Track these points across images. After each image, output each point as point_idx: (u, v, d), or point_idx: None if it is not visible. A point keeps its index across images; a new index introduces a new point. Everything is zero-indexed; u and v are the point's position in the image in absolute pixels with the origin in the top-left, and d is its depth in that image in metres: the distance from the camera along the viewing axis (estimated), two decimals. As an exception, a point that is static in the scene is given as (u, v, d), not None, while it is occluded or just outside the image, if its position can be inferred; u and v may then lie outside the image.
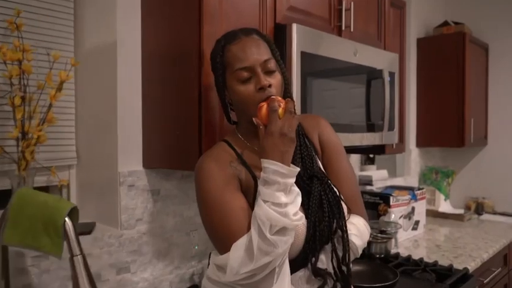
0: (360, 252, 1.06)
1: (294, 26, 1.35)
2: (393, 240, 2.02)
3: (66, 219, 0.94)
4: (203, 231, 1.55)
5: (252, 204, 0.94)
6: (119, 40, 1.35)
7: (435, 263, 1.85)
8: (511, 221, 2.80)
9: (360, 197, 1.13)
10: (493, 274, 2.14)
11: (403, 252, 2.05)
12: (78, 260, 0.93)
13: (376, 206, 2.26)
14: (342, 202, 1.02)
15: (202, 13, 1.18)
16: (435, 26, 3.01)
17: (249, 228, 0.88)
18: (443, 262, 1.88)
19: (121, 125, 1.36)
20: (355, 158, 2.57)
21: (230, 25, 1.23)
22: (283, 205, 0.85)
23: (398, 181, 2.81)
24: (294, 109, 0.91)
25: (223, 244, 0.90)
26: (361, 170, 2.66)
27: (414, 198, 2.38)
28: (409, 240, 2.32)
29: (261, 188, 0.87)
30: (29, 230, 0.97)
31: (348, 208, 1.04)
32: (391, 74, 1.82)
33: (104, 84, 1.40)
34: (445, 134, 2.86)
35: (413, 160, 3.01)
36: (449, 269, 1.78)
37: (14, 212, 0.98)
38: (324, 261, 0.98)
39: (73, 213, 0.97)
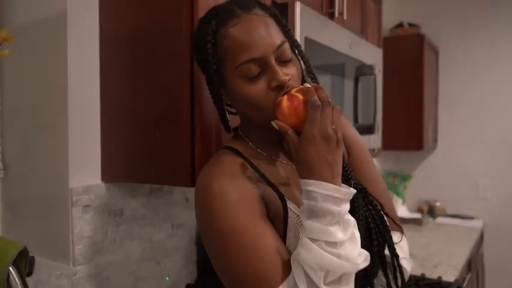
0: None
1: (298, 6, 1.10)
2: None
3: (11, 268, 0.60)
4: (175, 258, 1.27)
5: (282, 235, 0.70)
6: (69, 13, 1.00)
7: (423, 277, 1.72)
8: (466, 223, 2.82)
9: (395, 208, 0.93)
10: (466, 281, 2.08)
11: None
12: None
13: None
14: (385, 219, 0.81)
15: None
16: (391, 27, 2.95)
17: (286, 272, 0.64)
18: (429, 273, 1.76)
19: (73, 125, 1.01)
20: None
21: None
22: (339, 244, 0.61)
23: (360, 186, 2.69)
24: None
25: None
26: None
27: (384, 204, 2.25)
28: (380, 250, 2.19)
29: (307, 222, 0.63)
30: None
31: (392, 225, 0.83)
32: (379, 71, 1.66)
33: (47, 72, 1.04)
34: (404, 137, 2.80)
35: (371, 164, 2.92)
36: (439, 282, 1.65)
37: None
38: None
39: (22, 257, 0.63)
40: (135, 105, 1.00)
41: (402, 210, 2.91)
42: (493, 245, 2.97)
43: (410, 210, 3.10)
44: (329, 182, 0.62)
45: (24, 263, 0.64)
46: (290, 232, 0.70)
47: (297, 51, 0.78)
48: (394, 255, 0.76)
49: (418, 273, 1.75)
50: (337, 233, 0.61)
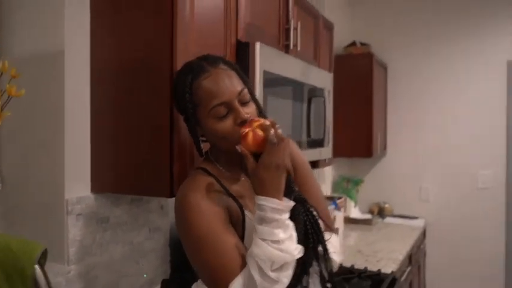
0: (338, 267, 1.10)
1: (258, 45, 1.33)
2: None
3: (37, 266, 0.79)
4: (152, 258, 1.46)
5: (241, 237, 0.93)
6: (66, 49, 1.18)
7: (365, 270, 1.99)
8: (409, 223, 3.15)
9: (330, 214, 1.18)
10: (405, 275, 2.38)
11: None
12: (54, 313, 0.79)
13: (305, 217, 2.34)
14: (320, 222, 1.04)
15: (175, 22, 1.09)
16: (345, 46, 3.25)
17: (244, 264, 0.87)
18: (371, 267, 2.03)
19: (68, 143, 1.18)
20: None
21: (200, 40, 1.17)
22: (281, 241, 0.84)
23: (316, 191, 2.95)
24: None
25: (218, 282, 0.87)
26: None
27: (336, 206, 2.52)
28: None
29: (258, 227, 0.85)
30: (-16, 283, 0.79)
31: (326, 226, 1.07)
32: (328, 92, 1.92)
33: (47, 97, 1.20)
34: (355, 145, 3.10)
35: (327, 170, 3.20)
36: (379, 274, 1.93)
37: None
38: (311, 282, 0.99)
39: (42, 257, 0.82)
40: (121, 129, 1.19)
41: (355, 212, 3.21)
42: (434, 241, 3.33)
43: (363, 212, 3.41)
44: (275, 198, 0.85)
45: (44, 261, 0.82)
46: (247, 234, 0.93)
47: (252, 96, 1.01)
48: (325, 249, 1.00)
49: (361, 267, 2.02)
50: (280, 234, 0.84)
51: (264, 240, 0.83)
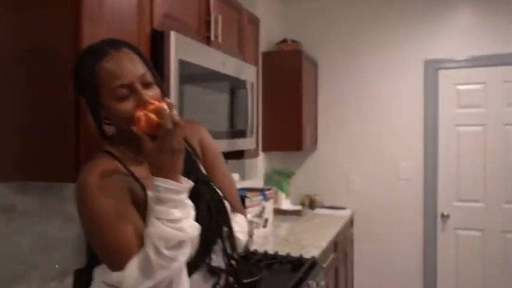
0: (244, 244, 1.15)
1: (173, 34, 1.35)
2: (251, 240, 2.17)
3: None
4: (65, 249, 1.44)
5: (144, 217, 0.93)
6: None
7: (288, 256, 2.07)
8: (337, 213, 3.30)
9: (239, 197, 1.23)
10: (329, 260, 2.50)
11: (259, 249, 2.22)
12: None
13: (233, 207, 2.39)
14: (226, 204, 1.09)
15: (82, 12, 1.08)
16: (276, 42, 3.33)
17: (143, 244, 0.88)
18: (294, 253, 2.11)
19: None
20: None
21: (110, 28, 1.17)
22: (177, 220, 0.86)
23: (248, 183, 3.02)
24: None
25: (116, 262, 0.88)
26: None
27: (264, 197, 2.60)
28: (261, 238, 2.52)
29: (154, 206, 0.87)
30: None
31: (231, 207, 1.11)
32: (252, 85, 1.97)
33: None
34: (286, 139, 3.20)
35: (259, 163, 3.28)
36: (300, 259, 2.01)
37: None
38: (216, 259, 1.03)
39: None
40: (26, 115, 1.16)
41: (286, 204, 3.31)
42: (361, 230, 3.52)
43: (295, 203, 3.53)
44: (170, 179, 0.86)
45: None
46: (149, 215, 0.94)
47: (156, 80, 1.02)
48: (229, 227, 1.04)
49: (284, 253, 2.09)
50: (176, 213, 0.85)
51: (159, 219, 0.85)
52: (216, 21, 1.71)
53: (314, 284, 1.83)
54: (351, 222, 3.46)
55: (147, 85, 0.96)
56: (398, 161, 3.44)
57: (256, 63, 2.24)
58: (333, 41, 3.60)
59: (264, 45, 3.29)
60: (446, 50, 3.30)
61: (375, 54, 3.48)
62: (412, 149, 3.40)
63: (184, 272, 0.93)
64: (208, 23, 1.69)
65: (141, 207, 0.94)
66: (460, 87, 3.30)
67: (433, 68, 3.34)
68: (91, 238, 0.93)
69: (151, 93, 0.96)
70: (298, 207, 3.30)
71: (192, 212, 0.91)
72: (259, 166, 3.25)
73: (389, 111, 3.45)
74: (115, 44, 0.98)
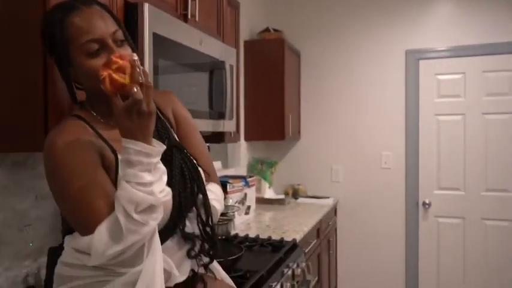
0: (220, 213, 1.14)
1: (146, 6, 1.33)
2: (232, 222, 2.16)
3: None
4: (39, 226, 1.41)
5: (114, 181, 0.91)
6: None
7: (269, 238, 2.06)
8: (320, 202, 3.31)
9: (214, 167, 1.21)
10: (311, 245, 2.50)
11: (240, 234, 2.21)
12: None
13: (214, 193, 2.38)
14: (201, 171, 1.07)
15: (49, -24, 1.06)
16: (259, 31, 3.33)
17: (112, 208, 0.85)
18: (275, 237, 2.11)
19: None
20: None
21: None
22: (148, 184, 0.83)
23: (230, 171, 3.01)
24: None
25: (86, 226, 0.85)
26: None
27: (246, 184, 2.59)
28: (243, 224, 2.51)
29: (124, 169, 0.84)
30: None
31: (206, 176, 1.10)
32: (231, 67, 1.96)
33: None
34: (268, 129, 3.20)
35: (242, 152, 3.27)
36: (281, 241, 2.01)
37: None
38: (190, 226, 1.02)
39: None
40: (-6, 84, 1.13)
41: (269, 193, 3.31)
42: (344, 219, 3.54)
43: (278, 193, 3.53)
44: (140, 141, 0.83)
45: None
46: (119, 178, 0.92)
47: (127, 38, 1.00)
48: (203, 193, 1.03)
49: (265, 237, 2.09)
50: (146, 177, 0.82)
51: (128, 182, 0.82)
52: (194, 0, 1.70)
53: (294, 265, 1.83)
54: (334, 211, 3.47)
55: (119, 43, 0.95)
56: (380, 151, 3.46)
57: (236, 47, 2.23)
58: (315, 31, 3.61)
59: (246, 34, 3.29)
60: (427, 40, 3.33)
61: (357, 44, 3.50)
62: (393, 138, 3.43)
63: (157, 237, 0.91)
64: (185, 0, 1.67)
65: (112, 171, 0.92)
66: (440, 77, 3.34)
67: (414, 58, 3.38)
68: (60, 202, 0.91)
69: (125, 52, 0.94)
70: (281, 196, 3.30)
71: (164, 177, 0.88)
72: (242, 155, 3.24)
73: (372, 101, 3.48)
74: (85, 1, 0.95)
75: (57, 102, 1.09)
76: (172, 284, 0.97)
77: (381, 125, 3.46)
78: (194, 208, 1.03)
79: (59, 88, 1.09)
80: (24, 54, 1.09)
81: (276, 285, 1.58)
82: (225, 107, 1.88)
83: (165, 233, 0.97)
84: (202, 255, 1.03)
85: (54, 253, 1.32)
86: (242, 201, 2.55)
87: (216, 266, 1.18)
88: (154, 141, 0.88)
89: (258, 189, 3.24)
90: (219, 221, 2.04)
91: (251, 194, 2.68)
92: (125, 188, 0.82)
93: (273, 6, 3.72)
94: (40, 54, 1.06)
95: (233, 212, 2.19)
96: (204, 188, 1.05)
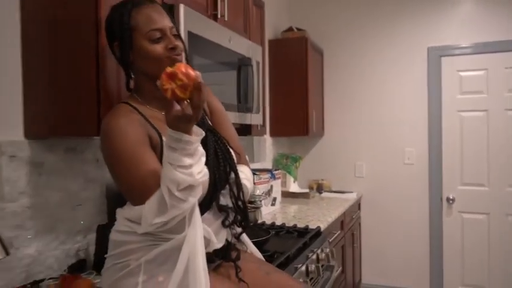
0: (250, 193, 1.26)
1: (181, 7, 1.48)
2: (259, 210, 2.28)
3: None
4: (88, 206, 1.57)
5: (160, 158, 1.03)
6: (-2, 2, 1.27)
7: (295, 226, 2.18)
8: (343, 196, 3.39)
9: (243, 150, 1.34)
10: (335, 235, 2.60)
11: (267, 222, 2.33)
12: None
13: (241, 184, 2.51)
14: (232, 152, 1.20)
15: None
16: (282, 31, 3.45)
17: (159, 184, 0.96)
18: (300, 226, 2.22)
19: None
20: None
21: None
22: (188, 166, 0.93)
23: (256, 165, 3.13)
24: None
25: (139, 197, 0.98)
26: (225, 156, 2.89)
27: (273, 177, 2.71)
28: (269, 214, 2.63)
29: (168, 153, 0.93)
30: None
31: (237, 156, 1.23)
32: (257, 63, 2.09)
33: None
34: (293, 125, 3.31)
35: (268, 148, 3.39)
36: (306, 229, 2.12)
37: None
38: (224, 200, 1.15)
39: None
40: (53, 77, 1.30)
41: (294, 187, 3.41)
42: (368, 213, 3.62)
43: (303, 187, 3.63)
44: (183, 133, 0.93)
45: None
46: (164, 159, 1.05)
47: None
48: (234, 171, 1.16)
49: (290, 225, 2.20)
50: (187, 160, 0.93)
51: (171, 164, 0.93)
52: (222, 0, 1.84)
53: (319, 250, 1.93)
54: (358, 206, 3.55)
55: (175, 36, 1.11)
56: (403, 147, 3.52)
57: (261, 44, 2.35)
58: (338, 30, 3.70)
59: (270, 34, 3.42)
60: (449, 37, 3.38)
61: (379, 42, 3.57)
62: (416, 134, 3.48)
63: (197, 210, 1.03)
64: (215, 1, 1.81)
65: (157, 150, 1.06)
66: (462, 73, 3.38)
67: (436, 55, 3.43)
68: (117, 177, 1.03)
69: (179, 43, 1.10)
70: (306, 190, 3.40)
71: (202, 159, 0.99)
72: (267, 150, 3.37)
73: (394, 98, 3.54)
74: None
75: (107, 95, 1.24)
76: (211, 250, 1.10)
77: (404, 121, 3.51)
78: (227, 185, 1.16)
79: (109, 83, 1.24)
80: (80, 56, 1.24)
81: (301, 267, 1.69)
82: (252, 101, 2.01)
83: (203, 206, 1.09)
84: (235, 225, 1.16)
85: (103, 230, 1.50)
86: (268, 192, 2.67)
87: (247, 240, 1.31)
88: (195, 127, 0.98)
89: (283, 183, 3.35)
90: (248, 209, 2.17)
91: (277, 186, 2.80)
92: (169, 170, 0.93)
93: (296, 6, 3.84)
94: (93, 52, 1.22)
95: (260, 201, 2.31)
96: (236, 167, 1.17)
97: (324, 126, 3.76)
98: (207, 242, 1.09)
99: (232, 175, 1.17)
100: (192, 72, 0.91)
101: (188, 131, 0.94)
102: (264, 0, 2.70)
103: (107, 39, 1.15)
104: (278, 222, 2.33)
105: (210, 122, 1.26)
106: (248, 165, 1.32)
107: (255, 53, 2.08)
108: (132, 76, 1.16)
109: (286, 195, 3.28)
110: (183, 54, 1.16)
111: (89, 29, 1.23)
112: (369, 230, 3.62)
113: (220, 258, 1.16)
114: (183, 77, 0.90)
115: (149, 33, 1.07)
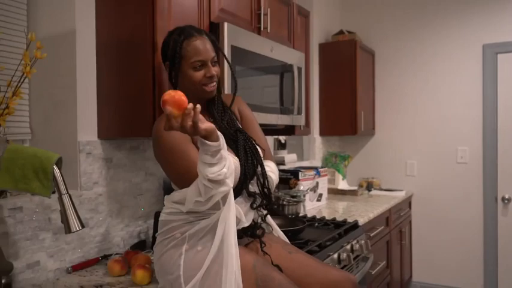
0: (276, 183, 1.46)
1: (225, 25, 1.70)
2: (301, 204, 2.46)
3: (54, 166, 1.19)
4: (148, 196, 1.86)
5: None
6: (78, 29, 1.58)
7: (334, 219, 2.33)
8: (392, 194, 3.45)
9: (269, 148, 1.55)
10: (377, 230, 2.70)
11: (309, 215, 2.50)
12: (66, 197, 1.18)
13: (288, 180, 2.71)
14: (258, 149, 1.41)
15: (156, 9, 1.48)
16: (333, 34, 3.58)
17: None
18: (340, 219, 2.37)
19: (79, 102, 1.59)
20: (270, 143, 2.99)
21: (176, 21, 1.55)
22: (211, 165, 1.13)
23: (305, 163, 3.30)
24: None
25: (184, 182, 1.23)
26: (275, 154, 3.10)
27: (318, 174, 2.87)
28: (315, 209, 2.79)
29: (200, 153, 1.15)
30: (21, 177, 1.19)
31: (262, 152, 1.43)
32: (299, 69, 2.27)
33: (62, 68, 1.61)
34: (341, 124, 3.43)
35: (317, 147, 3.55)
36: (344, 221, 2.26)
37: (6, 163, 1.19)
38: (252, 188, 1.36)
39: (58, 162, 1.21)
40: (119, 88, 1.59)
41: (343, 184, 3.53)
42: (419, 213, 3.63)
43: (352, 185, 3.73)
44: (207, 141, 1.12)
45: (60, 164, 1.21)
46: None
47: (225, 60, 1.40)
48: (261, 165, 1.36)
49: (330, 217, 2.36)
50: (214, 160, 1.13)
51: (203, 162, 1.14)
52: (266, 15, 2.04)
53: (354, 241, 2.07)
54: (408, 204, 3.58)
55: (214, 63, 1.36)
56: (456, 145, 3.49)
57: (306, 50, 2.52)
58: (389, 30, 3.75)
59: (322, 37, 3.56)
60: (506, 34, 3.29)
61: (432, 40, 3.57)
62: (469, 133, 3.44)
63: (231, 194, 1.24)
64: (259, 16, 2.02)
65: (196, 147, 1.30)
66: (521, 70, 3.28)
67: (491, 52, 3.36)
68: (167, 167, 1.30)
69: (216, 70, 1.36)
70: (354, 188, 3.51)
71: (223, 161, 1.16)
72: (316, 149, 3.52)
73: (447, 96, 3.52)
74: (198, 30, 1.38)
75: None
76: (240, 227, 1.32)
77: (457, 120, 3.48)
78: (255, 176, 1.37)
79: (162, 92, 1.50)
80: (139, 67, 1.51)
81: (333, 254, 1.85)
82: (293, 104, 2.20)
83: (236, 191, 1.31)
84: (261, 208, 1.37)
85: (159, 215, 1.77)
86: (314, 188, 2.83)
87: (273, 223, 1.52)
88: (220, 136, 1.16)
89: (332, 181, 3.49)
90: (289, 202, 2.36)
91: (323, 183, 2.95)
92: (202, 165, 1.15)
93: (348, 9, 3.93)
94: (150, 68, 1.49)
95: (304, 196, 2.49)
96: (261, 161, 1.38)
97: (375, 125, 3.83)
98: (238, 220, 1.31)
99: (259, 168, 1.38)
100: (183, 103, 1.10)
101: (209, 138, 1.12)
102: (315, 6, 2.85)
103: (162, 57, 1.41)
104: (322, 217, 2.49)
105: (240, 125, 1.47)
106: (273, 160, 1.52)
107: (297, 59, 2.26)
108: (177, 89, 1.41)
109: (335, 192, 3.41)
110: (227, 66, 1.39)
111: (147, 50, 1.50)
112: (420, 229, 3.63)
113: (248, 235, 1.38)
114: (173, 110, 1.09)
115: (193, 62, 1.32)
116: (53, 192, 1.20)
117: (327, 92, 3.49)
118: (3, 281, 1.28)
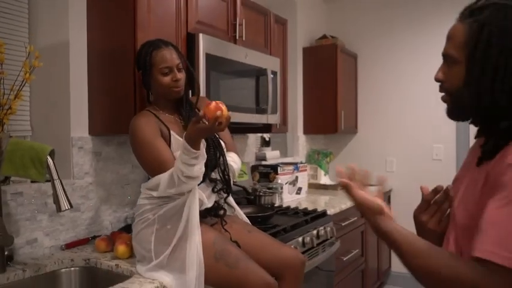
0: (237, 173, 1.71)
1: (201, 36, 1.95)
2: (277, 196, 2.70)
3: (48, 157, 1.44)
4: (135, 186, 2.11)
5: (168, 145, 1.54)
6: (71, 41, 1.83)
7: (305, 209, 2.56)
8: (372, 189, 3.66)
9: (233, 142, 1.79)
10: (350, 221, 2.93)
11: (287, 206, 2.74)
12: (57, 182, 1.43)
13: (268, 174, 2.95)
14: (221, 142, 1.65)
15: (136, 22, 1.72)
16: (317, 38, 3.81)
17: (171, 163, 1.45)
18: (312, 209, 2.60)
19: (72, 103, 1.85)
20: (253, 139, 3.23)
21: (156, 32, 1.79)
22: (191, 165, 1.37)
23: (288, 159, 3.54)
24: None
25: (159, 170, 1.47)
26: (259, 150, 3.34)
27: (297, 169, 3.10)
28: (294, 201, 3.02)
29: (181, 154, 1.37)
30: (21, 165, 1.44)
31: (226, 146, 1.68)
32: (274, 72, 2.50)
33: (58, 74, 1.86)
34: (324, 123, 3.67)
35: (301, 144, 3.78)
36: (314, 210, 2.50)
37: (8, 154, 1.45)
38: (214, 175, 1.61)
39: (51, 153, 1.46)
40: (107, 91, 1.84)
41: (324, 179, 3.76)
42: (398, 206, 3.84)
43: (335, 180, 3.96)
44: (190, 146, 1.37)
45: (53, 155, 1.46)
46: (172, 148, 1.53)
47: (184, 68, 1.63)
48: (223, 155, 1.61)
49: (310, 208, 2.59)
50: (192, 161, 1.37)
51: (182, 160, 1.37)
52: (241, 25, 2.28)
53: (321, 228, 2.31)
54: (388, 199, 3.80)
55: (179, 70, 1.60)
56: (432, 143, 3.71)
57: (284, 56, 2.76)
58: (371, 34, 3.97)
59: (307, 41, 3.79)
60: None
61: (413, 43, 3.78)
62: (444, 132, 3.65)
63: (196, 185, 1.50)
64: (234, 26, 2.26)
65: (166, 140, 1.55)
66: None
67: (465, 55, 3.56)
68: (141, 158, 1.54)
69: (181, 76, 1.60)
70: (334, 182, 3.73)
71: (203, 160, 1.41)
72: (300, 146, 3.75)
73: (424, 97, 3.74)
74: (165, 42, 1.63)
75: (141, 103, 1.75)
76: (203, 208, 1.57)
77: (432, 119, 3.69)
78: (218, 165, 1.61)
79: (142, 95, 1.75)
80: (124, 73, 1.76)
81: (297, 238, 2.09)
82: (267, 104, 2.43)
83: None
84: (221, 191, 1.62)
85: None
86: (293, 182, 3.07)
87: (235, 206, 1.77)
88: (202, 144, 1.40)
89: (315, 176, 3.73)
90: (265, 193, 2.60)
91: (302, 177, 3.19)
92: (179, 162, 1.39)
93: (332, 14, 4.16)
94: (132, 73, 1.73)
95: (281, 188, 2.72)
96: (223, 152, 1.63)
97: (358, 124, 4.05)
98: (201, 202, 1.55)
99: (221, 158, 1.62)
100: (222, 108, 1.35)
101: (196, 143, 1.36)
102: (299, 11, 3.05)
103: (136, 67, 1.66)
104: (295, 207, 2.72)
105: None
106: (236, 152, 1.77)
107: (272, 64, 2.49)
108: (151, 93, 1.65)
109: (317, 186, 3.64)
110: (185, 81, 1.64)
111: (130, 58, 1.74)
112: (399, 222, 3.83)
113: (212, 215, 1.62)
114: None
115: (161, 69, 1.57)
116: (48, 181, 1.46)
117: (310, 93, 3.72)
118: (6, 253, 1.54)
